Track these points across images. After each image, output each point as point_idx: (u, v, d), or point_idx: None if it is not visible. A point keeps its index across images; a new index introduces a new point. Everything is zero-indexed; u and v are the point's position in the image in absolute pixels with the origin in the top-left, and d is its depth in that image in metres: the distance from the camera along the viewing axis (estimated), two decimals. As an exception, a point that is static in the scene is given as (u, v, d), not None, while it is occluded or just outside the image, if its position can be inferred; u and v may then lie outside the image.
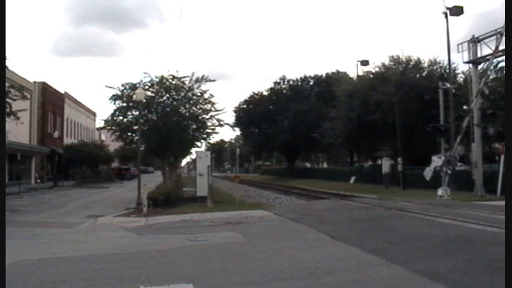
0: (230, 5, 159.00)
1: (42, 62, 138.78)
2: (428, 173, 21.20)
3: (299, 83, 59.50)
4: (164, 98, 26.35)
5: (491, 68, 23.13)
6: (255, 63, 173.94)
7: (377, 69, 35.82)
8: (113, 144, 51.40)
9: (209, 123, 27.26)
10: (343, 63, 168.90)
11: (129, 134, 27.50)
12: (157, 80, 26.27)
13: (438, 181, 21.07)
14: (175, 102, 26.27)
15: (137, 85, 25.20)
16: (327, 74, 57.58)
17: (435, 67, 33.41)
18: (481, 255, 6.67)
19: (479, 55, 19.99)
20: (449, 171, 20.25)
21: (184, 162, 70.85)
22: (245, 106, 61.06)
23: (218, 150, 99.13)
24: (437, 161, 20.72)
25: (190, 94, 26.40)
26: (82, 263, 7.10)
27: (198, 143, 29.26)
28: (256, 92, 61.26)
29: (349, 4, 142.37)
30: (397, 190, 26.27)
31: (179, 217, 14.01)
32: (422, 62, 33.90)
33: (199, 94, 26.54)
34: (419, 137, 29.92)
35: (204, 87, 26.47)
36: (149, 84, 26.13)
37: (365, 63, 39.37)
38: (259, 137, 60.99)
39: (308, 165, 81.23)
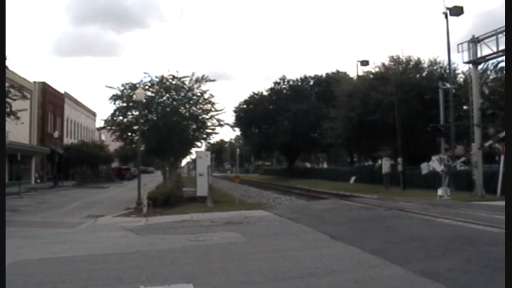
0: (230, 5, 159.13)
1: (42, 62, 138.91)
2: (425, 167, 21.28)
3: (299, 83, 59.43)
4: (164, 98, 26.40)
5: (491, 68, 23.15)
6: (255, 63, 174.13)
7: (377, 69, 35.85)
8: (113, 144, 51.41)
9: (209, 123, 27.40)
10: (343, 63, 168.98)
11: (129, 134, 27.55)
12: (157, 80, 26.36)
13: (438, 181, 21.08)
14: (175, 102, 26.32)
15: (137, 85, 25.26)
16: (327, 74, 57.57)
17: (435, 67, 33.40)
18: (481, 255, 6.67)
19: (479, 55, 19.97)
20: (446, 170, 20.30)
21: (184, 162, 71.17)
22: (245, 106, 61.00)
23: (218, 150, 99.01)
24: (436, 163, 20.73)
25: (190, 94, 26.47)
26: (82, 263, 7.10)
27: (198, 143, 29.41)
28: (256, 92, 61.29)
29: (349, 4, 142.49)
30: (397, 190, 26.24)
31: (179, 217, 13.98)
32: (422, 62, 33.92)
33: (199, 94, 26.62)
34: (419, 137, 29.92)
35: (203, 87, 26.62)
36: (149, 84, 26.22)
37: (365, 63, 39.41)
38: (259, 137, 60.96)
39: (308, 165, 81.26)
